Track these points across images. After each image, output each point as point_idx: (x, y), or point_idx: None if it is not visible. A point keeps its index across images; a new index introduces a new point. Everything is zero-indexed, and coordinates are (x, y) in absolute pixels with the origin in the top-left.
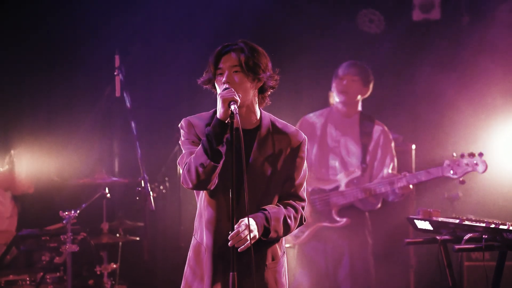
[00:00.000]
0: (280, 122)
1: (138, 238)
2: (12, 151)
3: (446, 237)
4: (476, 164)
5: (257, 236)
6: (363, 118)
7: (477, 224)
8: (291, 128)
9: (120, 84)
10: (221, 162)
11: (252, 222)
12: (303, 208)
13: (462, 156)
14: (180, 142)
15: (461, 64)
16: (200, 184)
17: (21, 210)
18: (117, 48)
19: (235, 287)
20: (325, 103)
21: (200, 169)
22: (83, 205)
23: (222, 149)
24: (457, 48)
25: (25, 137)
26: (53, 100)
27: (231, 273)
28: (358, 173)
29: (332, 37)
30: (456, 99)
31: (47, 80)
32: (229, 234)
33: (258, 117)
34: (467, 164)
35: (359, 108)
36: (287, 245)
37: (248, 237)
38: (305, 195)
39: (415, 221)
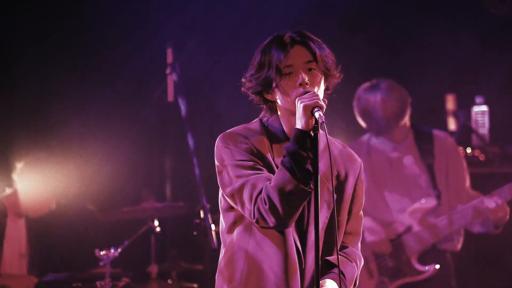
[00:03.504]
0: (332, 138)
1: (196, 286)
2: (17, 165)
3: None
4: None
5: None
6: (416, 132)
7: None
8: (345, 145)
9: (173, 86)
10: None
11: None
12: (360, 260)
13: None
14: (223, 166)
15: None
16: (287, 219)
17: (45, 248)
18: (170, 40)
19: None
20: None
21: (289, 199)
22: (126, 242)
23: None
24: None
25: (50, 149)
26: (88, 106)
27: None
28: (432, 202)
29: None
30: None
31: (79, 83)
32: None
33: None
34: None
35: (407, 122)
36: None
37: None
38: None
39: None
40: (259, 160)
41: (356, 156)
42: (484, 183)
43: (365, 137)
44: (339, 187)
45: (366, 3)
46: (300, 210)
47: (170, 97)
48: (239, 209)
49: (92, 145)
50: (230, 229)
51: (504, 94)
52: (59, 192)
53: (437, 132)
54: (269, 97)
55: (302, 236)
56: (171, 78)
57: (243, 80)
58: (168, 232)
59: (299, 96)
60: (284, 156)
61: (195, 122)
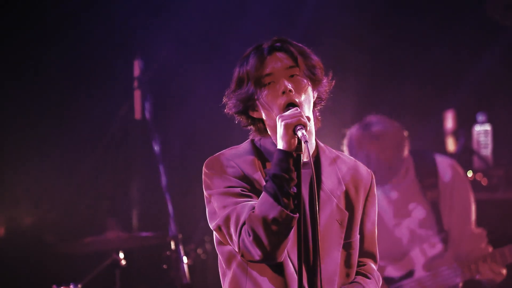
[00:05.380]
0: (333, 150)
1: None
2: None
3: None
4: None
5: None
6: (417, 163)
7: None
8: (352, 158)
9: (141, 101)
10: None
11: None
12: (378, 278)
13: None
14: (210, 194)
15: None
16: (274, 250)
17: None
18: (137, 53)
19: None
20: None
21: (274, 227)
22: (87, 277)
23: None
24: None
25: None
26: (45, 123)
27: None
28: (438, 247)
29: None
30: None
31: (39, 99)
32: None
33: (315, 143)
34: None
35: (405, 153)
36: None
37: None
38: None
39: None
40: (248, 184)
41: (366, 169)
42: (487, 210)
43: None
44: (349, 205)
45: (362, 21)
46: (288, 241)
47: (138, 114)
48: (230, 243)
49: (50, 167)
50: (228, 265)
51: (509, 111)
52: (9, 219)
53: (440, 159)
54: (255, 114)
55: (310, 272)
56: (139, 93)
57: (224, 99)
58: (135, 265)
59: (282, 112)
60: (266, 181)
61: (166, 142)
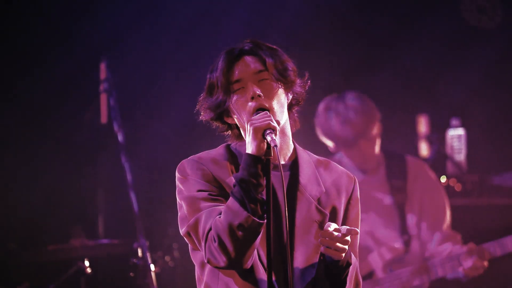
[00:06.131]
0: (313, 155)
1: None
2: None
3: None
4: None
5: (343, 258)
6: (388, 161)
7: None
8: (333, 162)
9: (107, 105)
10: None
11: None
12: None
13: None
14: (181, 199)
15: None
16: (239, 257)
17: None
18: (104, 54)
19: None
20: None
21: (240, 233)
22: (51, 286)
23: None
24: None
25: None
26: (5, 125)
27: None
28: (399, 249)
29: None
30: None
31: None
32: None
33: (293, 146)
34: None
35: (377, 149)
36: None
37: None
38: None
39: None
40: (219, 189)
41: (349, 173)
42: (461, 216)
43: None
44: (329, 206)
45: (335, 20)
46: (255, 247)
47: (104, 118)
48: (200, 249)
49: (13, 173)
50: (201, 271)
51: (483, 116)
52: None
53: (412, 162)
54: (229, 120)
55: (282, 276)
56: (105, 97)
57: (198, 106)
58: (101, 273)
59: (251, 116)
60: (234, 186)
61: (133, 148)
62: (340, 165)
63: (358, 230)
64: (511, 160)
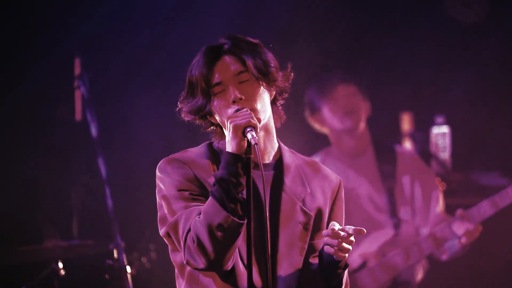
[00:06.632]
0: (299, 154)
1: None
2: None
3: None
4: None
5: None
6: (377, 148)
7: None
8: (319, 162)
9: (82, 101)
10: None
11: None
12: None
13: None
14: (161, 198)
15: None
16: (219, 258)
17: None
18: (78, 49)
19: None
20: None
21: (219, 234)
22: None
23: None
24: None
25: None
26: None
27: None
28: (389, 233)
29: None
30: None
31: None
32: None
33: (277, 145)
34: None
35: (367, 133)
36: None
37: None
38: None
39: None
40: (200, 189)
41: (334, 174)
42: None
43: (317, 158)
44: (315, 207)
45: (319, 17)
46: (235, 248)
47: (78, 115)
48: (179, 250)
49: None
50: (181, 274)
51: (468, 113)
52: None
53: (400, 150)
54: (212, 119)
55: (264, 278)
56: (79, 93)
57: (179, 104)
58: (75, 275)
59: (230, 114)
60: (213, 185)
61: (108, 145)
62: (327, 156)
63: (365, 230)
64: (496, 159)
